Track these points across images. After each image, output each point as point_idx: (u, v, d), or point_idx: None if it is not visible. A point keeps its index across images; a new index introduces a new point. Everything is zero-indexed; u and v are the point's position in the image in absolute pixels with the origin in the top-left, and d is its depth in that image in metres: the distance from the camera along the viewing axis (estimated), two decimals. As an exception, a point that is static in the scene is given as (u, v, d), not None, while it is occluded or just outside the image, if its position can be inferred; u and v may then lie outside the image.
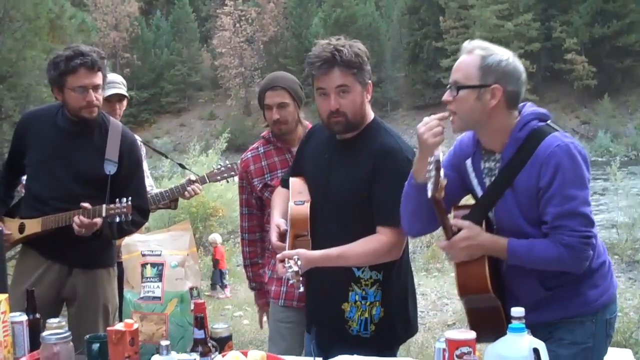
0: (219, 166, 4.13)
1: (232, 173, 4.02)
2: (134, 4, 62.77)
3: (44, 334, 2.29)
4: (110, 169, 3.30)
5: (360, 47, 2.68)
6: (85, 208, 3.17)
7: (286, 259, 2.49)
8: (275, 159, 3.43)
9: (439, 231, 2.53)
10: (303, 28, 56.84)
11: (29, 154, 3.36)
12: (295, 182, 2.85)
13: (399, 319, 2.78)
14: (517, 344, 2.01)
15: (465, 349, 2.05)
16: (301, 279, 2.46)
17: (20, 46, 10.68)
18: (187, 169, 5.15)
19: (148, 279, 2.59)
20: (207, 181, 4.17)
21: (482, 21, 49.82)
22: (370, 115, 2.77)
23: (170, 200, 4.16)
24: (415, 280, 3.02)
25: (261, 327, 3.79)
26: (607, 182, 14.44)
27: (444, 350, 2.12)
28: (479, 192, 2.47)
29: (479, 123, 2.40)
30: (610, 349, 2.56)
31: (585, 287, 2.41)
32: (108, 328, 2.39)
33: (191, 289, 2.59)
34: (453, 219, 2.45)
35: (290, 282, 2.46)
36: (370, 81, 2.72)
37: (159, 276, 2.58)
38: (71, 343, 2.27)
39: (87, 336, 2.43)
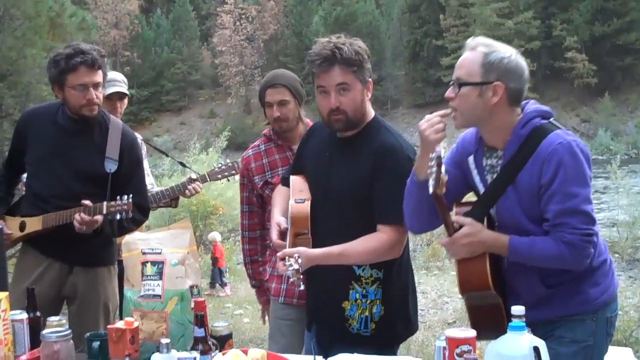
0: (220, 165, 4.14)
1: (233, 172, 4.02)
2: (134, 2, 62.72)
3: (45, 332, 2.29)
4: (111, 167, 3.29)
5: (361, 45, 2.67)
6: (86, 205, 3.17)
7: (287, 257, 2.49)
8: (276, 157, 3.43)
9: (440, 230, 2.53)
10: (303, 26, 56.80)
11: (30, 152, 3.36)
12: (296, 180, 2.84)
13: (399, 317, 2.77)
14: (517, 343, 2.00)
15: (465, 347, 2.04)
16: (302, 277, 2.46)
17: (20, 44, 10.69)
18: (187, 167, 5.14)
19: (148, 277, 2.58)
20: (208, 179, 4.17)
21: (482, 19, 49.81)
22: (371, 113, 2.76)
23: (171, 198, 4.17)
24: (416, 278, 3.02)
25: (264, 322, 3.80)
26: (607, 180, 14.45)
27: (444, 348, 2.11)
28: (481, 189, 2.47)
29: (481, 120, 2.40)
30: (610, 348, 2.56)
31: (586, 285, 2.41)
32: (108, 326, 2.39)
33: (191, 287, 2.58)
34: (455, 215, 2.45)
35: (291, 280, 2.45)
36: (370, 79, 2.71)
37: (160, 274, 2.58)
38: (71, 341, 2.27)
39: (88, 334, 2.43)
